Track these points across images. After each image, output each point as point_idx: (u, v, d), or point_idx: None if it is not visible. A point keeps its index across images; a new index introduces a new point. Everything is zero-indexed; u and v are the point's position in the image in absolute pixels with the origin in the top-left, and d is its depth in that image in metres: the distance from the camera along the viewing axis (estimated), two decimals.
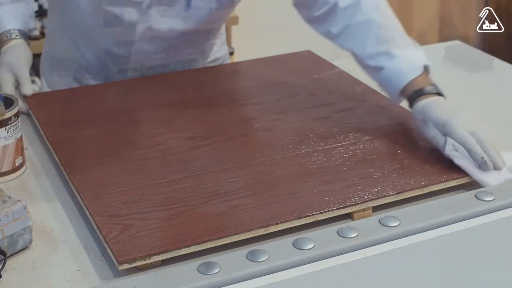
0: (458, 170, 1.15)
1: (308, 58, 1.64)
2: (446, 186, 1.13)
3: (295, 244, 0.99)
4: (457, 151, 1.15)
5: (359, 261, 0.98)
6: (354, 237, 1.00)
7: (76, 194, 1.12)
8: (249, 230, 1.01)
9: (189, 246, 0.98)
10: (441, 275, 1.06)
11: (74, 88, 1.51)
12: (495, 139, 1.31)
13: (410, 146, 1.23)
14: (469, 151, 1.14)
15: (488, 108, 1.45)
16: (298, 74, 1.54)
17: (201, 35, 1.51)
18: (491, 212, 1.08)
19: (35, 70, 1.80)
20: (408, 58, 1.28)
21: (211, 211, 1.06)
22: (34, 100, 1.41)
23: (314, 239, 1.00)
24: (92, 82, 1.53)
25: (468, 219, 1.06)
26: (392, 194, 1.10)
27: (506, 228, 1.09)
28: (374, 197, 1.09)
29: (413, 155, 1.20)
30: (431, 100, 1.23)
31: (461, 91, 1.53)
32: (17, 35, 1.42)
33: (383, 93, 1.46)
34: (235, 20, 2.80)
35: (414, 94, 1.25)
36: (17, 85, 1.39)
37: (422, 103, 1.23)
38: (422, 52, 1.30)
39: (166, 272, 0.94)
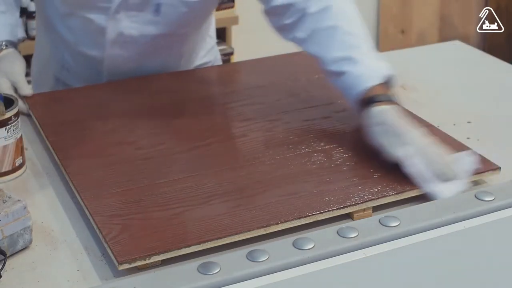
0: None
1: (308, 58, 1.63)
2: None
3: (295, 244, 0.99)
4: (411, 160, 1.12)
5: (359, 261, 0.98)
6: (354, 237, 1.00)
7: (76, 194, 1.12)
8: (249, 230, 1.01)
9: (189, 246, 0.98)
10: (441, 275, 1.06)
11: (74, 88, 1.51)
12: (495, 139, 1.31)
13: None
14: (429, 160, 1.11)
15: (488, 108, 1.45)
16: (298, 74, 1.54)
17: (176, 40, 1.50)
18: (491, 212, 1.08)
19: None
20: (371, 65, 1.26)
21: (211, 211, 1.06)
22: (34, 100, 1.41)
23: (314, 239, 1.00)
24: (74, 83, 1.55)
25: (468, 219, 1.06)
26: (392, 194, 1.10)
27: (506, 228, 1.09)
28: (374, 197, 1.09)
29: None
30: (389, 107, 1.20)
31: (461, 91, 1.53)
32: (6, 45, 1.44)
33: None
34: (235, 20, 2.81)
35: (371, 99, 1.21)
36: (15, 89, 1.40)
37: (379, 109, 1.19)
38: (386, 63, 1.27)
39: (166, 272, 0.94)
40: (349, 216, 1.08)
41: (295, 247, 0.98)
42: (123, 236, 1.00)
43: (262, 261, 0.95)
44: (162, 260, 0.98)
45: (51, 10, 1.47)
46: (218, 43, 2.69)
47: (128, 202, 1.08)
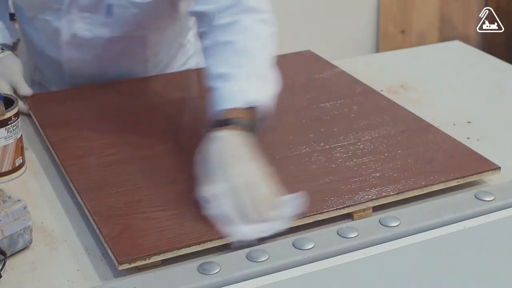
0: (458, 170, 1.15)
1: (308, 58, 1.64)
2: (446, 186, 1.13)
3: (295, 244, 0.99)
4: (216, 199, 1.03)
5: (359, 261, 0.98)
6: (354, 237, 1.00)
7: (76, 194, 1.12)
8: None
9: (189, 246, 0.98)
10: (441, 275, 1.06)
11: (74, 88, 1.51)
12: (495, 139, 1.31)
13: (409, 146, 1.23)
14: (238, 202, 1.01)
15: (488, 108, 1.45)
16: (298, 74, 1.54)
17: (134, 43, 1.49)
18: (491, 212, 1.08)
19: None
20: (242, 87, 1.15)
21: None
22: (34, 100, 1.41)
23: (314, 239, 1.00)
24: (48, 85, 1.56)
25: (468, 219, 1.06)
26: (392, 194, 1.10)
27: (506, 228, 1.09)
28: (374, 197, 1.09)
29: (413, 155, 1.20)
30: (228, 134, 1.09)
31: (461, 91, 1.53)
32: (2, 49, 1.45)
33: (383, 93, 1.46)
34: None
35: (215, 123, 1.12)
36: (14, 91, 1.40)
37: (215, 134, 1.10)
38: (267, 89, 1.17)
39: (166, 272, 0.94)
40: (349, 216, 1.08)
41: (295, 247, 0.98)
42: (123, 236, 1.00)
43: (262, 261, 0.95)
44: (162, 260, 0.98)
45: (20, 13, 1.50)
46: None
47: (128, 202, 1.08)
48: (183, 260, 0.98)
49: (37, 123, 1.34)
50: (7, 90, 1.38)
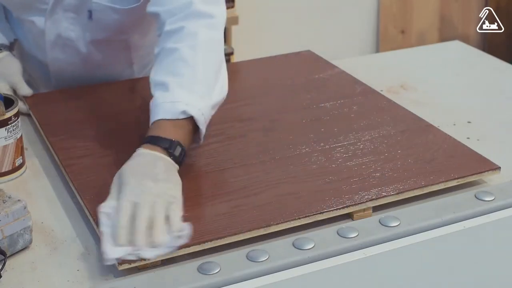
0: (458, 170, 1.15)
1: (308, 58, 1.64)
2: (446, 186, 1.13)
3: (295, 244, 0.99)
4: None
5: (359, 261, 0.98)
6: (354, 237, 1.00)
7: (76, 194, 1.12)
8: (249, 230, 1.01)
9: (189, 246, 0.98)
10: (441, 275, 1.06)
11: (74, 88, 1.51)
12: (495, 139, 1.31)
13: (409, 146, 1.23)
14: (115, 221, 0.98)
15: (488, 108, 1.45)
16: (298, 74, 1.54)
17: (118, 46, 1.49)
18: (491, 212, 1.08)
19: None
20: (178, 97, 1.12)
21: (211, 211, 1.06)
22: (34, 100, 1.41)
23: (314, 239, 1.00)
24: (37, 86, 1.56)
25: (468, 219, 1.06)
26: (392, 194, 1.10)
27: (506, 228, 1.09)
28: (374, 197, 1.09)
29: (413, 155, 1.20)
30: (150, 152, 1.07)
31: (461, 91, 1.54)
32: (1, 49, 1.45)
33: (383, 93, 1.46)
34: (235, 20, 2.80)
35: (145, 139, 1.10)
36: (14, 91, 1.40)
37: (140, 151, 1.08)
38: (204, 100, 1.14)
39: (166, 272, 0.94)
40: (349, 216, 1.08)
41: (295, 247, 0.98)
42: None
43: (262, 261, 0.95)
44: (162, 260, 0.98)
45: (9, 15, 1.50)
46: None
47: None
48: (183, 260, 0.98)
49: (37, 123, 1.34)
50: (6, 91, 1.38)
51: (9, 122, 1.17)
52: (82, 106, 1.40)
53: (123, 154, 1.21)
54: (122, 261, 0.95)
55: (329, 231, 1.02)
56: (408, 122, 1.32)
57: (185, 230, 0.97)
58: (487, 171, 1.16)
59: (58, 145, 1.24)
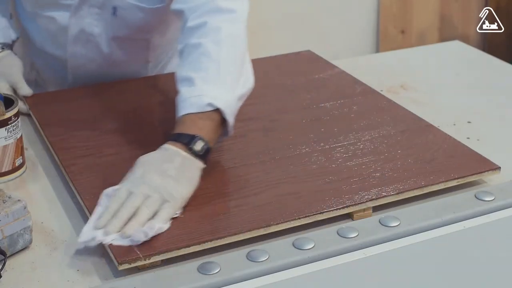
0: (458, 170, 1.15)
1: (308, 58, 1.64)
2: (446, 186, 1.13)
3: (295, 244, 0.99)
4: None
5: (359, 261, 0.98)
6: (354, 237, 1.00)
7: (76, 194, 1.12)
8: (249, 230, 1.01)
9: (189, 246, 0.98)
10: (441, 275, 1.06)
11: (74, 88, 1.51)
12: (495, 139, 1.31)
13: (409, 146, 1.23)
14: (106, 206, 1.02)
15: (488, 108, 1.45)
16: (298, 74, 1.54)
17: (137, 44, 1.50)
18: (491, 212, 1.08)
19: None
20: (203, 91, 1.14)
21: (211, 211, 1.06)
22: (34, 100, 1.41)
23: (314, 239, 1.00)
24: (45, 85, 1.56)
25: (468, 219, 1.06)
26: (392, 194, 1.10)
27: (506, 228, 1.09)
28: (374, 197, 1.09)
29: (413, 155, 1.20)
30: (169, 148, 1.09)
31: (461, 91, 1.53)
32: (2, 48, 1.45)
33: (383, 93, 1.47)
34: None
35: (172, 136, 1.12)
36: (14, 91, 1.40)
37: (163, 146, 1.10)
38: (230, 93, 1.16)
39: (166, 272, 0.94)
40: (349, 216, 1.08)
41: (295, 247, 0.98)
42: None
43: (262, 261, 0.95)
44: (162, 260, 0.98)
45: (19, 10, 1.49)
46: None
47: None
48: (183, 260, 0.98)
49: (37, 123, 1.34)
50: (6, 90, 1.37)
51: (9, 122, 1.17)
52: (82, 106, 1.40)
53: (123, 154, 1.22)
54: (122, 261, 0.95)
55: (329, 231, 1.02)
56: (408, 122, 1.32)
57: (155, 230, 0.98)
58: (487, 171, 1.16)
59: (58, 145, 1.24)
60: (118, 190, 1.03)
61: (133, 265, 0.96)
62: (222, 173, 1.16)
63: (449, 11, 3.56)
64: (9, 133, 1.17)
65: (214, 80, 1.16)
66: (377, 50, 3.46)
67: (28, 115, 1.40)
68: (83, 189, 1.11)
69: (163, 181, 1.03)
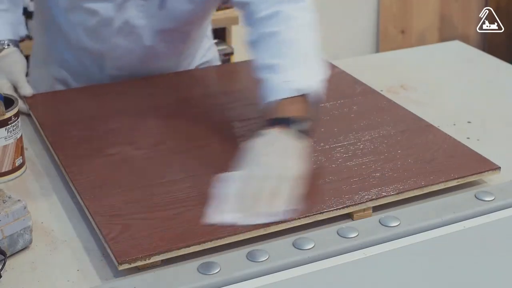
0: (458, 170, 1.15)
1: None
2: (446, 186, 1.13)
3: (295, 244, 0.99)
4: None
5: (359, 261, 0.98)
6: (354, 237, 1.00)
7: (76, 194, 1.12)
8: (249, 230, 1.01)
9: (189, 246, 0.98)
10: (441, 275, 1.06)
11: (74, 88, 1.51)
12: (495, 139, 1.31)
13: (410, 146, 1.23)
14: (241, 191, 1.05)
15: (488, 108, 1.45)
16: None
17: (179, 36, 1.50)
18: (491, 212, 1.08)
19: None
20: (291, 76, 1.18)
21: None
22: (34, 100, 1.41)
23: (314, 239, 1.00)
24: (74, 83, 1.54)
25: (468, 219, 1.06)
26: (392, 194, 1.10)
27: (506, 228, 1.09)
28: (374, 197, 1.09)
29: (413, 155, 1.20)
30: (278, 131, 1.13)
31: (461, 91, 1.53)
32: (8, 45, 1.44)
33: (383, 93, 1.46)
34: (235, 20, 2.80)
35: (269, 122, 1.15)
36: (15, 89, 1.40)
37: (269, 131, 1.14)
38: (316, 76, 1.21)
39: (166, 272, 0.94)
40: (349, 216, 1.08)
41: (295, 247, 0.98)
42: (123, 236, 0.99)
43: (262, 261, 0.95)
44: (162, 260, 0.98)
45: (52, 6, 1.46)
46: (218, 43, 2.68)
47: (128, 202, 1.08)
48: (183, 260, 0.98)
49: (37, 123, 1.34)
50: (7, 89, 1.37)
51: (9, 122, 1.17)
52: (82, 106, 1.40)
53: (124, 154, 1.22)
54: (122, 261, 0.95)
55: (329, 231, 1.02)
56: (408, 122, 1.32)
57: (285, 207, 1.03)
58: (487, 171, 1.16)
59: (58, 145, 1.24)
60: (236, 175, 1.07)
61: (133, 265, 0.96)
62: (222, 173, 1.15)
63: (449, 11, 3.56)
64: (9, 133, 1.17)
65: (297, 65, 1.21)
66: (377, 50, 3.46)
67: (28, 115, 1.40)
68: (83, 189, 1.11)
69: (279, 161, 1.08)
